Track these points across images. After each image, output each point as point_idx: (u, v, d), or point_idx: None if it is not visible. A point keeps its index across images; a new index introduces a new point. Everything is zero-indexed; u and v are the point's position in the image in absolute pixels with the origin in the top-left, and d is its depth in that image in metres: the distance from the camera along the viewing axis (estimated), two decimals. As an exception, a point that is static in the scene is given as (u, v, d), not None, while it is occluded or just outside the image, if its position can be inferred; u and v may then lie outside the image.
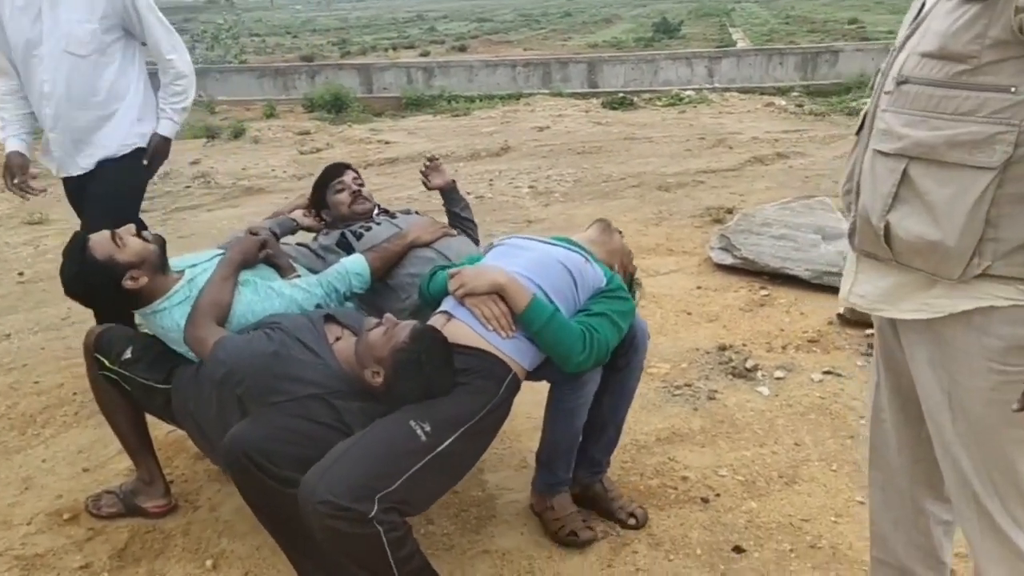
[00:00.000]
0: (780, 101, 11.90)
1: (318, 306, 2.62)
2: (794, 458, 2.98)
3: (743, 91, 13.67)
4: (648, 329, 2.68)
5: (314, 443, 2.14)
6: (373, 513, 1.91)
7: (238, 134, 11.11)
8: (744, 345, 3.93)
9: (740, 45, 23.89)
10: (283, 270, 2.80)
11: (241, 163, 9.32)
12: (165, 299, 2.48)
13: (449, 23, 48.89)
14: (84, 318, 4.71)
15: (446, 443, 2.11)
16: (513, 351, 2.34)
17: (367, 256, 2.74)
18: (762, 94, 13.45)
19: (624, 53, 21.28)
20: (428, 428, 2.10)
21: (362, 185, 3.14)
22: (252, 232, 2.83)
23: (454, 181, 3.43)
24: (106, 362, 2.59)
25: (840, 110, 10.86)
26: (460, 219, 3.22)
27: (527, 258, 2.58)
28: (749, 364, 3.69)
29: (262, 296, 2.54)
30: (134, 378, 2.56)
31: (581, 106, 12.37)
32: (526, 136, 9.92)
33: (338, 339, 2.36)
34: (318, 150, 9.99)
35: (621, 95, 12.49)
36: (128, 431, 2.77)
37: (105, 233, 2.44)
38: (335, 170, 3.15)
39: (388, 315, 2.30)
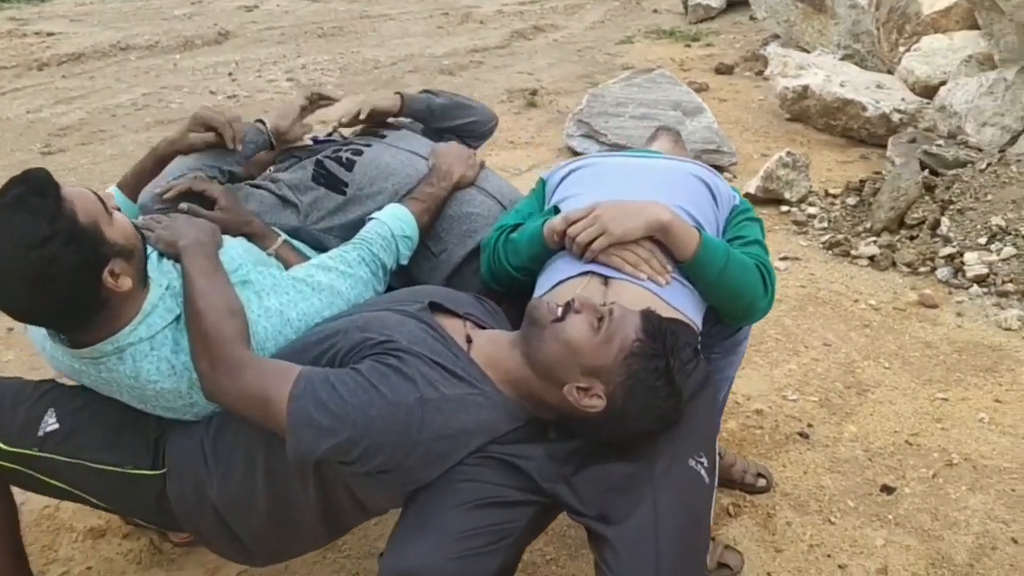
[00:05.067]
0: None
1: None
2: (839, 362, 2.69)
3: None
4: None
5: (513, 537, 1.34)
6: None
7: None
8: (681, 241, 3.54)
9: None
10: (261, 238, 1.75)
11: None
12: (139, 322, 1.39)
13: None
14: None
15: (716, 470, 1.44)
16: (691, 310, 1.66)
17: (411, 208, 1.79)
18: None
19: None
20: (706, 462, 1.40)
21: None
22: (186, 192, 1.74)
23: (401, 96, 2.13)
24: (2, 444, 1.42)
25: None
26: (457, 128, 2.23)
27: (648, 177, 1.85)
28: (711, 262, 3.32)
29: (291, 295, 1.52)
30: (82, 463, 1.44)
31: (277, -19, 10.70)
32: (237, 18, 8.29)
33: (469, 341, 1.46)
34: (-53, 48, 7.40)
35: (320, -32, 10.99)
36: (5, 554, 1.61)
37: (84, 192, 1.33)
38: None
39: (580, 296, 1.45)
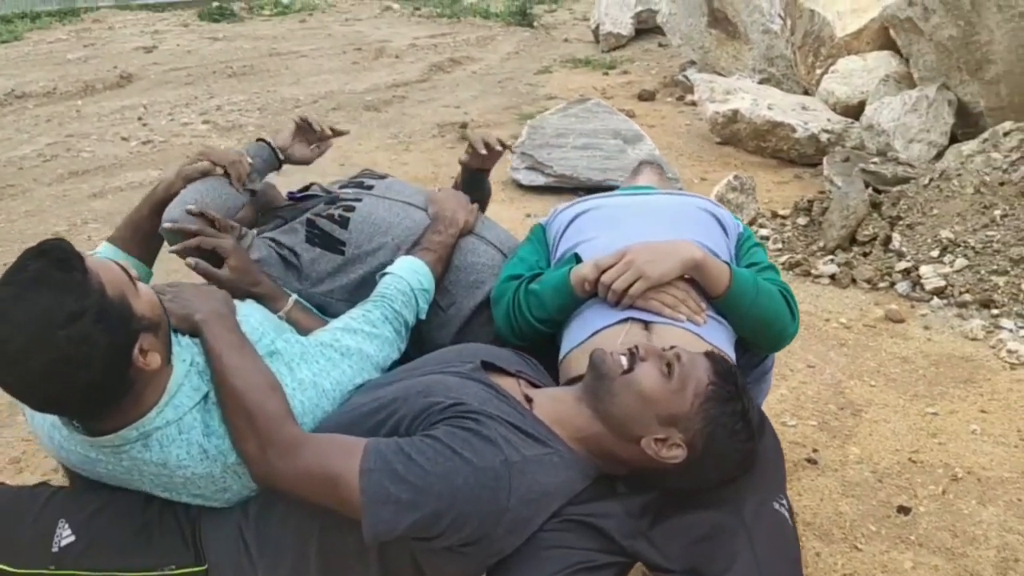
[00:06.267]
0: (395, 5, 11.30)
1: (403, 358, 1.56)
2: (827, 383, 2.72)
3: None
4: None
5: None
6: None
7: None
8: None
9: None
10: (272, 300, 1.63)
11: None
12: (165, 404, 1.26)
13: None
14: None
15: (793, 510, 1.40)
16: (727, 346, 1.64)
17: (425, 259, 1.69)
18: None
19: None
20: (787, 503, 1.36)
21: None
22: (195, 248, 1.60)
23: None
24: (8, 567, 1.27)
25: (464, 13, 10.68)
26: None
27: (661, 215, 1.83)
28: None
29: (322, 363, 1.41)
30: (109, 574, 1.28)
31: (172, 20, 10.31)
32: (137, 60, 7.92)
33: (529, 400, 1.38)
34: None
35: (218, 5, 10.67)
36: None
37: (108, 263, 1.21)
38: None
39: (643, 343, 1.39)
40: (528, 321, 1.69)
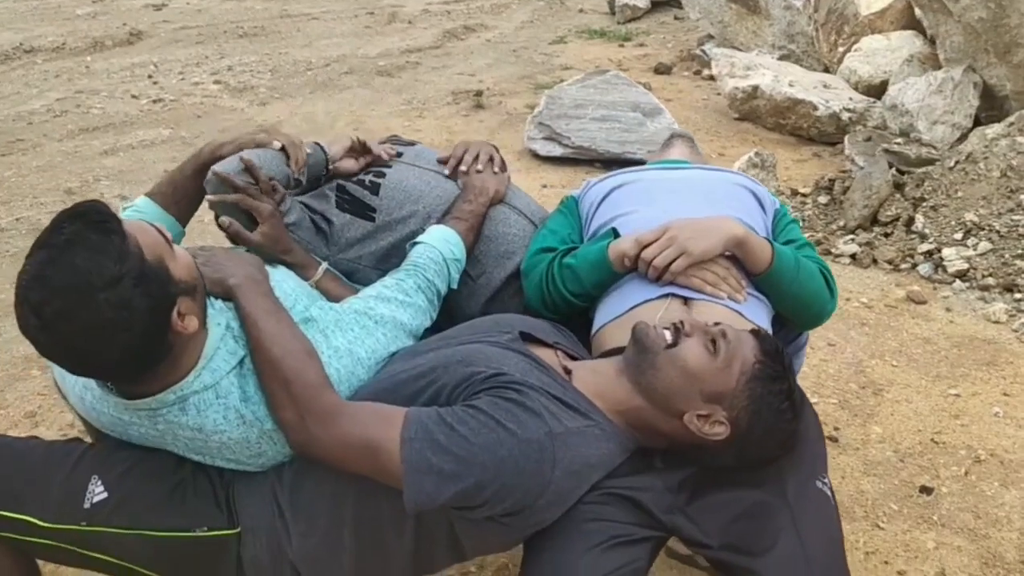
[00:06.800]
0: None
1: (434, 328, 1.54)
2: (848, 362, 2.70)
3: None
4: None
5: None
6: None
7: None
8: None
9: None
10: (302, 268, 1.60)
11: None
12: (202, 367, 1.23)
13: None
14: None
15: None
16: (766, 323, 1.62)
17: (456, 228, 1.66)
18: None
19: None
20: (828, 482, 1.35)
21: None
22: (234, 204, 1.56)
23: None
24: (40, 522, 1.23)
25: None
26: None
27: (699, 191, 1.80)
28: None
29: (356, 331, 1.39)
30: (140, 533, 1.27)
31: (181, -22, 10.17)
32: (147, 17, 7.82)
33: (568, 371, 1.36)
34: None
35: (228, -35, 10.51)
36: None
37: (144, 225, 1.18)
38: None
39: (686, 318, 1.37)
40: (562, 295, 1.67)
